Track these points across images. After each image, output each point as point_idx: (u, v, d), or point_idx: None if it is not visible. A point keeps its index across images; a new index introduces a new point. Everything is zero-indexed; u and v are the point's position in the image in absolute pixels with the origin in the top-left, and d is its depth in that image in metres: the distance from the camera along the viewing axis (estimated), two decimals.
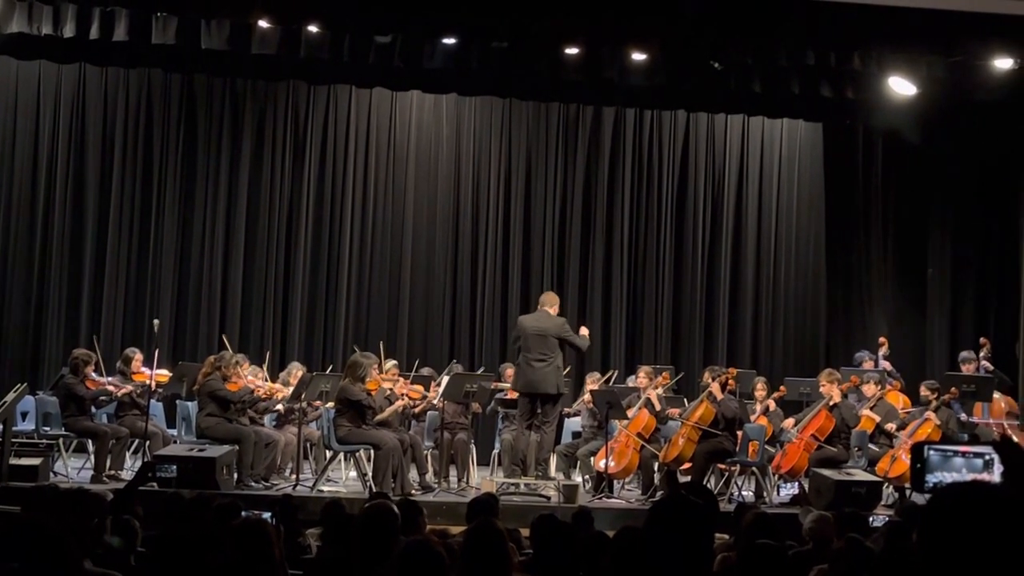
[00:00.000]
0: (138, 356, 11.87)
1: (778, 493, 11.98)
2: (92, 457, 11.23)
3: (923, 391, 11.98)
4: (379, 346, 12.58)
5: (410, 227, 15.17)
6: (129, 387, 11.51)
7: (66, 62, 14.31)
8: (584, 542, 5.14)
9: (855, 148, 15.87)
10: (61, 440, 11.34)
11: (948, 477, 2.97)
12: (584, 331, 11.66)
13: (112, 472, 10.98)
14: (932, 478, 2.86)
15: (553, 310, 11.28)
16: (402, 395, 11.78)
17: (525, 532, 6.07)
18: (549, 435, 11.24)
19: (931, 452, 2.94)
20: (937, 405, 11.71)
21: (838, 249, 15.91)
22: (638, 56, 13.18)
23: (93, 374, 11.41)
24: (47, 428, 11.36)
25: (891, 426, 11.83)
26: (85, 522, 4.94)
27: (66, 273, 14.39)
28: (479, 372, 12.81)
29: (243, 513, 6.04)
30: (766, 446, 11.65)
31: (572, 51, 13.15)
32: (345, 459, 11.88)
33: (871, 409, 11.93)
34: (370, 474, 10.92)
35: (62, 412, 11.27)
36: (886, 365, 13.40)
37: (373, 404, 11.09)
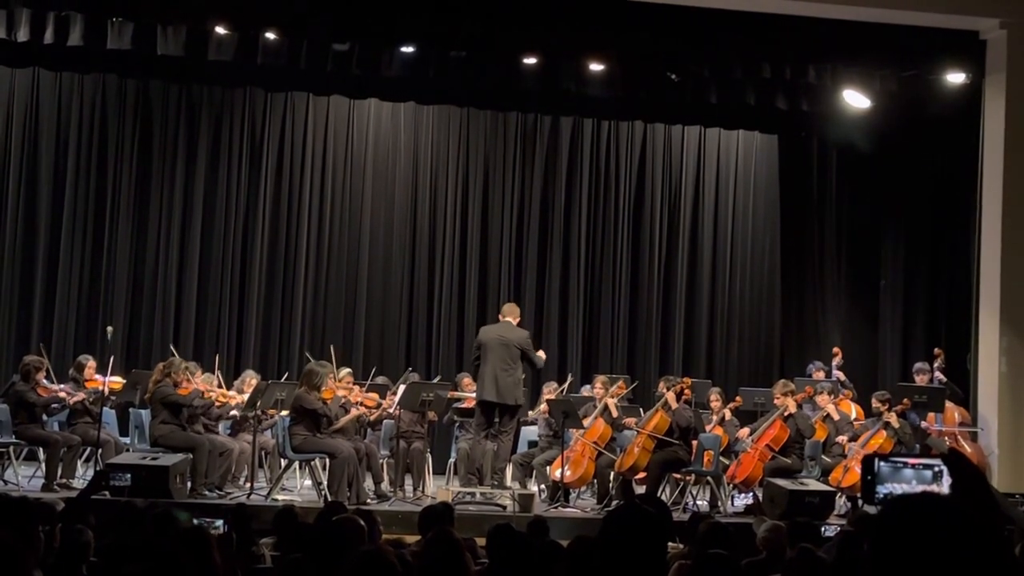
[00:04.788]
0: (91, 363, 11.75)
1: (732, 503, 12.04)
2: (43, 465, 11.11)
3: (874, 403, 12.08)
4: (331, 351, 12.55)
5: (367, 235, 15.12)
6: (82, 394, 11.39)
7: (20, 66, 14.18)
8: (539, 551, 5.15)
9: (810, 160, 15.99)
10: (11, 448, 11.18)
11: (898, 488, 3.01)
12: (541, 353, 11.78)
13: (63, 480, 10.85)
14: (883, 489, 2.90)
15: (515, 320, 11.37)
16: (357, 403, 11.75)
17: (481, 542, 6.08)
18: (506, 445, 11.28)
19: (881, 464, 2.98)
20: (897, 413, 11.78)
21: (792, 260, 16.03)
22: (596, 67, 13.23)
23: (44, 381, 11.29)
24: None
25: (843, 438, 11.92)
26: (35, 531, 4.89)
27: (18, 279, 14.22)
28: (435, 381, 12.79)
29: (195, 521, 6.00)
30: (721, 456, 11.71)
31: (530, 61, 13.18)
32: (300, 468, 11.83)
33: (823, 420, 12.02)
34: (325, 483, 10.88)
35: (12, 419, 11.13)
36: (839, 375, 13.50)
37: (329, 413, 11.05)
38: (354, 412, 11.55)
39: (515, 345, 11.14)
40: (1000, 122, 12.92)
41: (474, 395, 11.56)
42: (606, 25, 12.78)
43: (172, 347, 13.00)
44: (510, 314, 11.43)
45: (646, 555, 3.30)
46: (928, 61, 13.28)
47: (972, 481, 2.57)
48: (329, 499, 9.87)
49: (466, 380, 12.56)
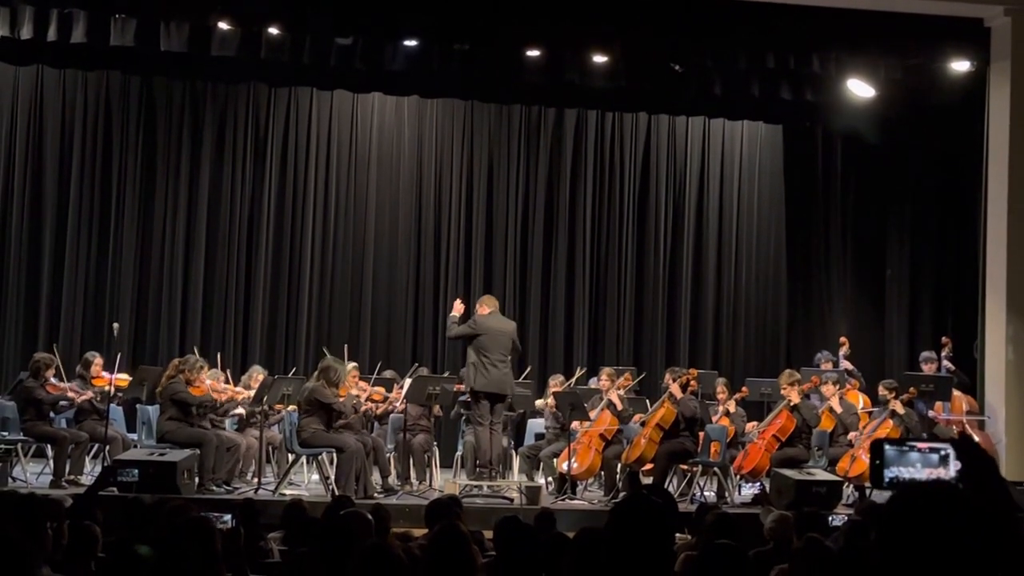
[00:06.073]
0: (98, 360, 11.76)
1: (740, 493, 12.04)
2: (51, 462, 11.12)
3: (881, 390, 12.06)
4: (343, 349, 12.56)
5: (372, 229, 15.13)
6: (89, 394, 11.41)
7: (23, 64, 14.18)
8: (546, 543, 5.15)
9: (815, 150, 15.97)
10: (20, 445, 11.21)
11: (905, 471, 3.00)
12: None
13: (71, 477, 10.87)
14: (889, 473, 2.90)
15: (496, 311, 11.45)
16: (365, 399, 11.76)
17: (488, 534, 6.07)
18: (499, 435, 11.33)
19: (888, 448, 2.98)
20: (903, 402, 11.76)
21: (798, 250, 16.01)
22: (599, 59, 13.21)
23: (53, 379, 11.30)
24: (5, 433, 11.23)
25: (854, 434, 11.88)
26: (43, 528, 4.89)
27: (24, 276, 14.25)
28: (445, 375, 12.79)
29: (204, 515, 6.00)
30: (728, 447, 11.70)
31: (533, 53, 13.16)
32: (307, 462, 11.83)
33: (829, 410, 11.99)
34: (332, 477, 10.89)
35: (21, 417, 11.16)
36: (847, 365, 13.48)
37: (344, 409, 11.05)
38: (362, 408, 11.57)
39: (511, 336, 11.25)
40: (1005, 109, 12.89)
41: None
42: (609, 17, 12.75)
43: (195, 349, 12.81)
44: (495, 305, 11.48)
45: (653, 546, 3.30)
46: (932, 49, 13.23)
47: (982, 466, 2.56)
48: (337, 493, 9.88)
49: None
